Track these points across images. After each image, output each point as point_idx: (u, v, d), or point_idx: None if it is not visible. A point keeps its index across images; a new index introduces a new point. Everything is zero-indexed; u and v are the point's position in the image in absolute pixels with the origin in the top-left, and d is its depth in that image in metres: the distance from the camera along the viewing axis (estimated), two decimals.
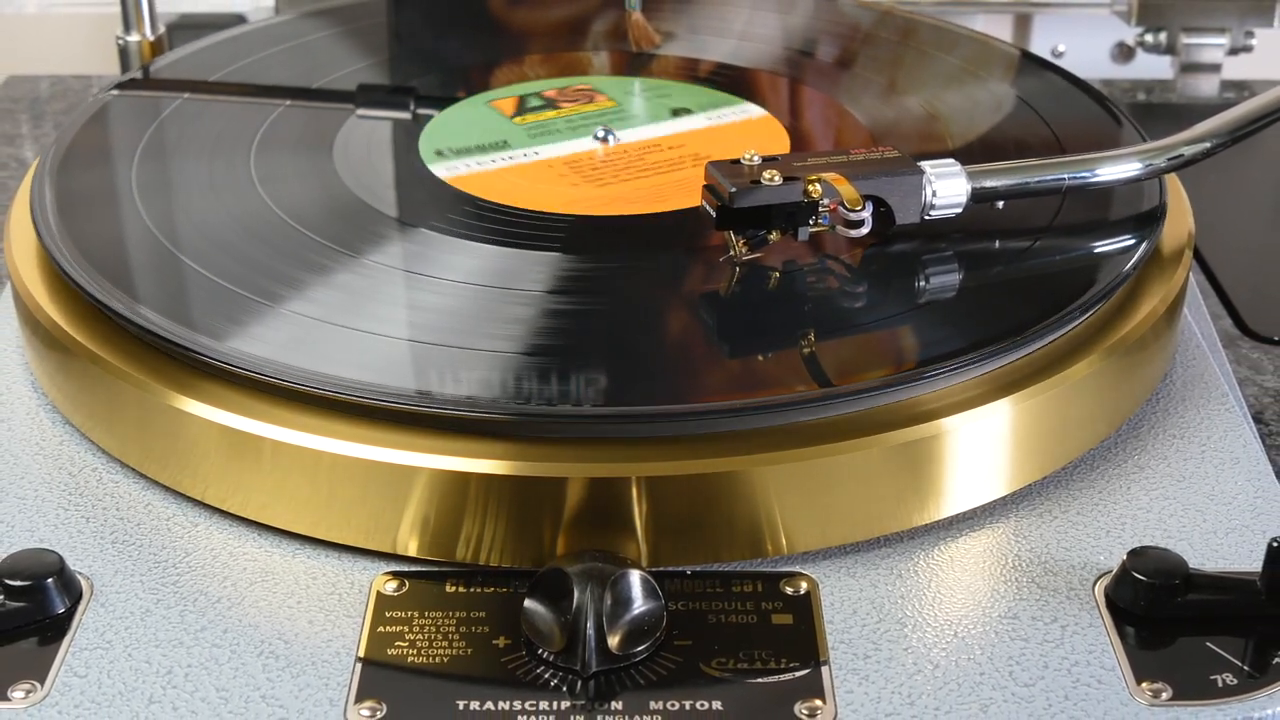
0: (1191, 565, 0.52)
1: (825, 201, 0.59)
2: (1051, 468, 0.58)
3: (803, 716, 0.48)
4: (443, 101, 0.76)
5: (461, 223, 0.64)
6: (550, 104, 0.76)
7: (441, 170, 0.69)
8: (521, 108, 0.75)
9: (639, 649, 0.49)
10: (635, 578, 0.50)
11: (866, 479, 0.54)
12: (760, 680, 0.49)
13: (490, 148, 0.71)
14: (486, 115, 0.74)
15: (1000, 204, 0.62)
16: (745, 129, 0.74)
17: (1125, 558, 0.52)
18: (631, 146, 0.72)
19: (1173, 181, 0.69)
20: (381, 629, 0.51)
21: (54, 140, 0.72)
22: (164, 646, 0.50)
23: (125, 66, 0.86)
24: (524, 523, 0.52)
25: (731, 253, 0.61)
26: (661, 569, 0.53)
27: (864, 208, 0.59)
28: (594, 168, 0.70)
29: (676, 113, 0.76)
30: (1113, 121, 0.73)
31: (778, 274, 0.61)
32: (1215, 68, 1.02)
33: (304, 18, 0.87)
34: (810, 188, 0.59)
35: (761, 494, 0.52)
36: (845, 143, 0.73)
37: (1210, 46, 1.02)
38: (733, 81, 0.79)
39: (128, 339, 0.58)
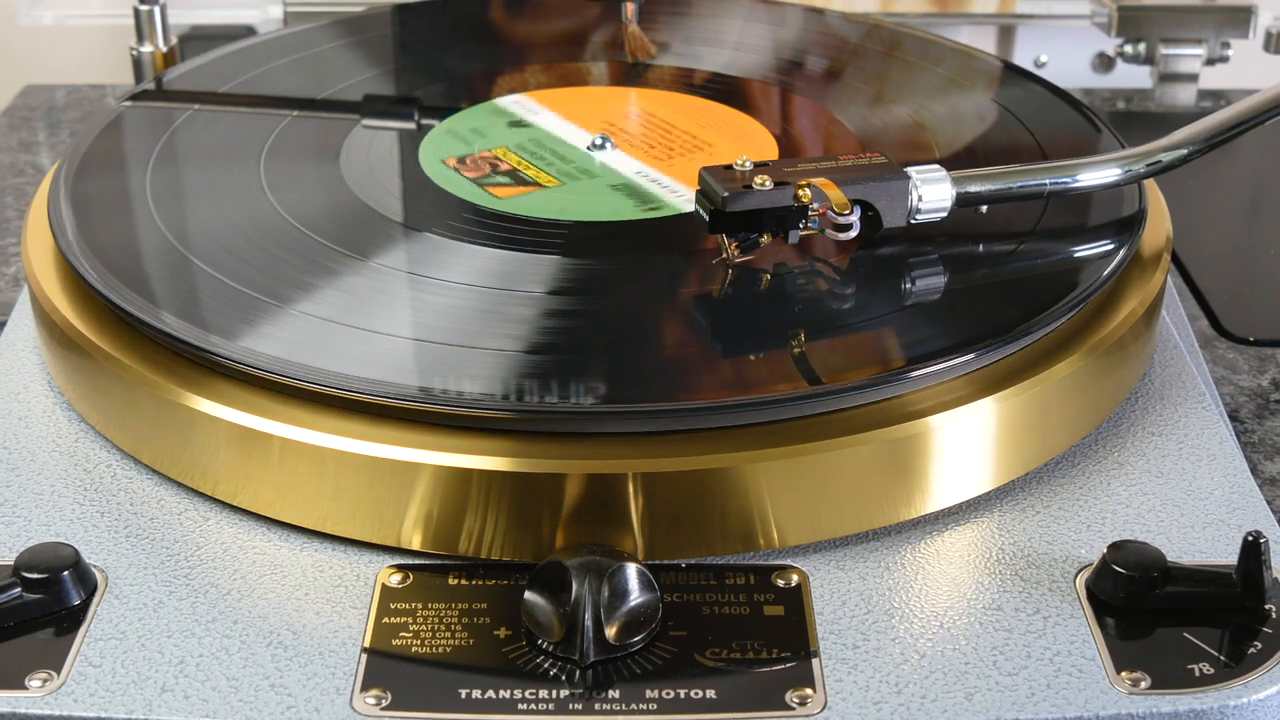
0: (1169, 558, 0.52)
1: (815, 206, 0.59)
2: (1034, 464, 0.58)
3: (793, 705, 0.48)
4: (445, 111, 0.76)
5: (463, 227, 0.64)
6: (515, 177, 0.70)
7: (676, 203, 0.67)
8: (520, 180, 0.70)
9: (635, 639, 0.49)
10: (632, 571, 0.50)
11: (855, 475, 0.54)
12: (752, 670, 0.49)
13: (633, 191, 0.69)
14: (532, 200, 0.69)
15: (984, 209, 0.62)
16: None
17: (1105, 551, 0.52)
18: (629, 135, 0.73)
19: (1151, 187, 0.69)
20: (386, 620, 0.51)
21: (70, 148, 0.71)
22: (176, 637, 0.50)
23: (139, 77, 0.86)
24: (524, 517, 0.52)
25: (724, 255, 0.61)
26: (657, 562, 0.53)
27: (852, 212, 0.59)
28: (668, 149, 0.72)
29: (520, 124, 0.75)
30: (1093, 129, 0.73)
31: (769, 276, 0.61)
32: (1193, 77, 1.02)
33: (311, 30, 0.87)
34: (800, 192, 0.59)
35: (754, 489, 0.52)
36: (834, 149, 0.73)
37: (1188, 57, 1.02)
38: (726, 91, 0.79)
39: (141, 340, 0.58)
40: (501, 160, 0.71)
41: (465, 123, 0.75)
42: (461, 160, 0.70)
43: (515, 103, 0.77)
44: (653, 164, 0.71)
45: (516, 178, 0.69)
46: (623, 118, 0.76)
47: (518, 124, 0.75)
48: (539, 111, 0.76)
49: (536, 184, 0.69)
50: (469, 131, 0.74)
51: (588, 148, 0.72)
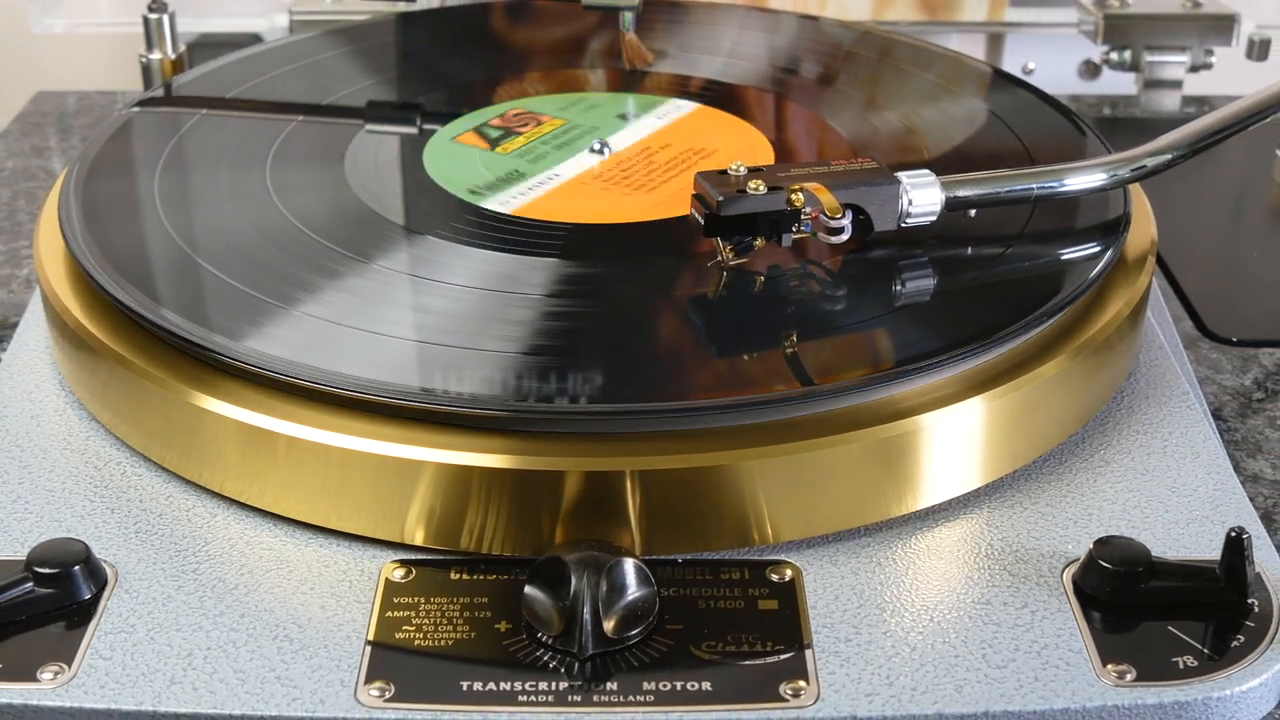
0: (1154, 554, 0.52)
1: (807, 210, 0.59)
2: (1022, 462, 0.58)
3: (787, 696, 0.48)
4: (447, 116, 0.76)
5: (465, 230, 0.64)
6: (509, 132, 0.74)
7: (496, 205, 0.67)
8: (490, 140, 0.73)
9: (633, 633, 0.49)
10: (629, 566, 0.50)
11: (848, 472, 0.53)
12: (747, 662, 0.49)
13: (513, 178, 0.70)
14: (465, 153, 0.72)
15: (973, 212, 0.62)
16: (699, 121, 0.76)
17: (1092, 546, 0.52)
18: (628, 152, 0.72)
19: (1136, 191, 0.69)
20: (390, 614, 0.51)
21: (80, 153, 0.71)
22: (184, 630, 0.50)
23: (148, 83, 0.86)
24: (524, 514, 0.52)
25: (719, 258, 0.61)
26: (654, 557, 0.53)
27: (844, 215, 0.59)
28: (624, 175, 0.70)
29: (623, 118, 0.76)
30: (1079, 135, 0.73)
31: (763, 278, 0.61)
32: (1177, 84, 1.02)
33: (316, 37, 0.87)
34: (793, 197, 0.59)
35: (748, 486, 0.52)
36: (827, 154, 0.73)
37: (1172, 64, 1.02)
38: (721, 97, 0.79)
39: (150, 340, 0.58)
40: (534, 125, 0.74)
41: (445, 153, 0.74)
42: (519, 114, 0.71)
43: (675, 106, 0.77)
44: (588, 180, 0.71)
45: (500, 138, 0.72)
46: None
47: (621, 116, 0.76)
48: (666, 117, 0.77)
49: (492, 146, 0.71)
50: (584, 108, 0.77)
51: (588, 150, 0.72)
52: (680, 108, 0.77)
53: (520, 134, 0.74)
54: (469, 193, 0.68)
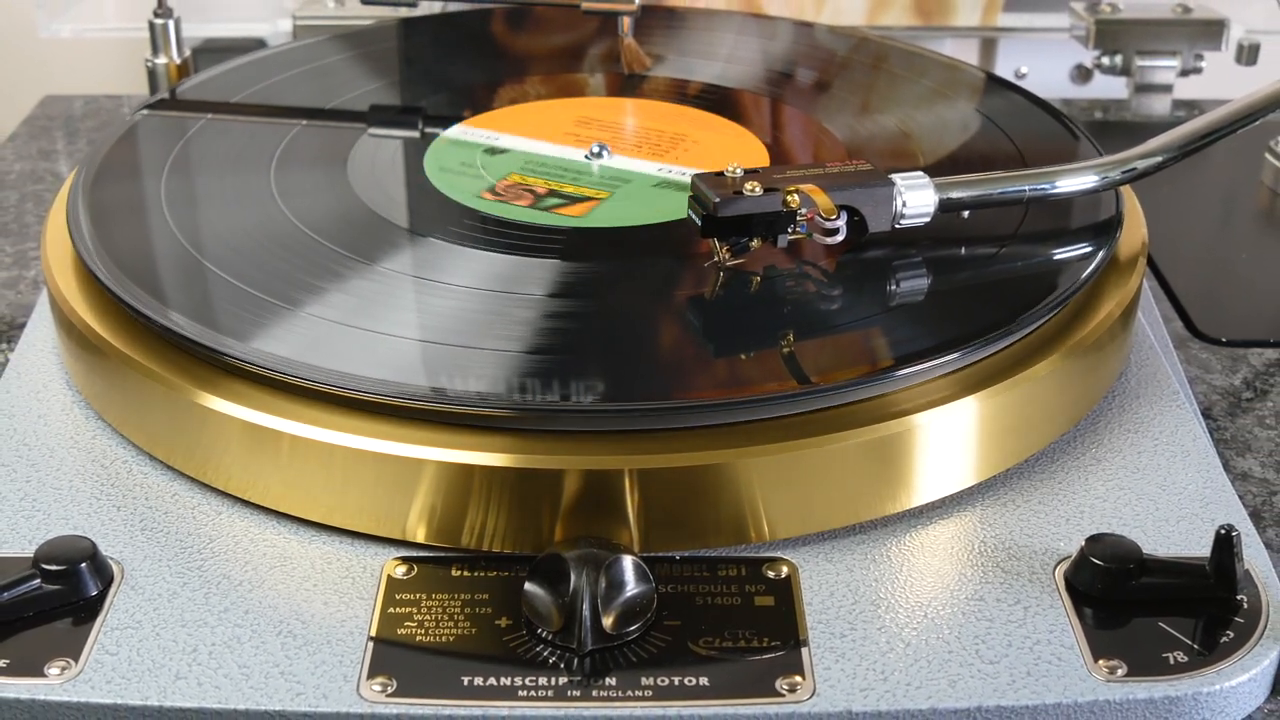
0: (1145, 551, 0.52)
1: (803, 211, 0.59)
2: (1015, 460, 0.58)
3: (783, 691, 0.48)
4: (448, 121, 0.76)
5: (466, 233, 0.64)
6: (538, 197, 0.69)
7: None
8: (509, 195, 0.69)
9: (631, 629, 0.49)
10: (628, 563, 0.50)
11: (843, 470, 0.53)
12: (744, 658, 0.49)
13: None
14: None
15: (966, 214, 0.62)
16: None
17: (1083, 544, 0.52)
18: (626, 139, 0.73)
19: (1128, 193, 0.69)
20: (392, 610, 0.51)
21: (87, 156, 0.71)
22: (189, 626, 0.50)
23: (154, 88, 0.86)
24: (524, 511, 0.52)
25: (716, 259, 0.61)
26: (652, 554, 0.53)
27: (839, 217, 0.59)
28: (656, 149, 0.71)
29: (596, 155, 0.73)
30: (1071, 138, 0.73)
31: (759, 279, 0.61)
32: (1167, 88, 1.02)
33: (320, 43, 0.87)
34: (789, 198, 0.59)
35: (745, 484, 0.52)
36: (822, 157, 0.73)
37: (1162, 68, 1.02)
38: (719, 101, 0.79)
39: (156, 340, 0.58)
40: (531, 185, 0.69)
41: (449, 156, 0.72)
42: (495, 192, 0.69)
43: (465, 132, 0.75)
44: (660, 159, 0.71)
45: (567, 197, 0.68)
46: (585, 125, 0.76)
47: (494, 150, 0.73)
48: (498, 136, 0.74)
49: (594, 199, 0.68)
50: (459, 165, 0.71)
51: (585, 157, 0.72)
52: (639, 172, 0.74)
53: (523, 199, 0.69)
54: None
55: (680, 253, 0.64)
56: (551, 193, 0.68)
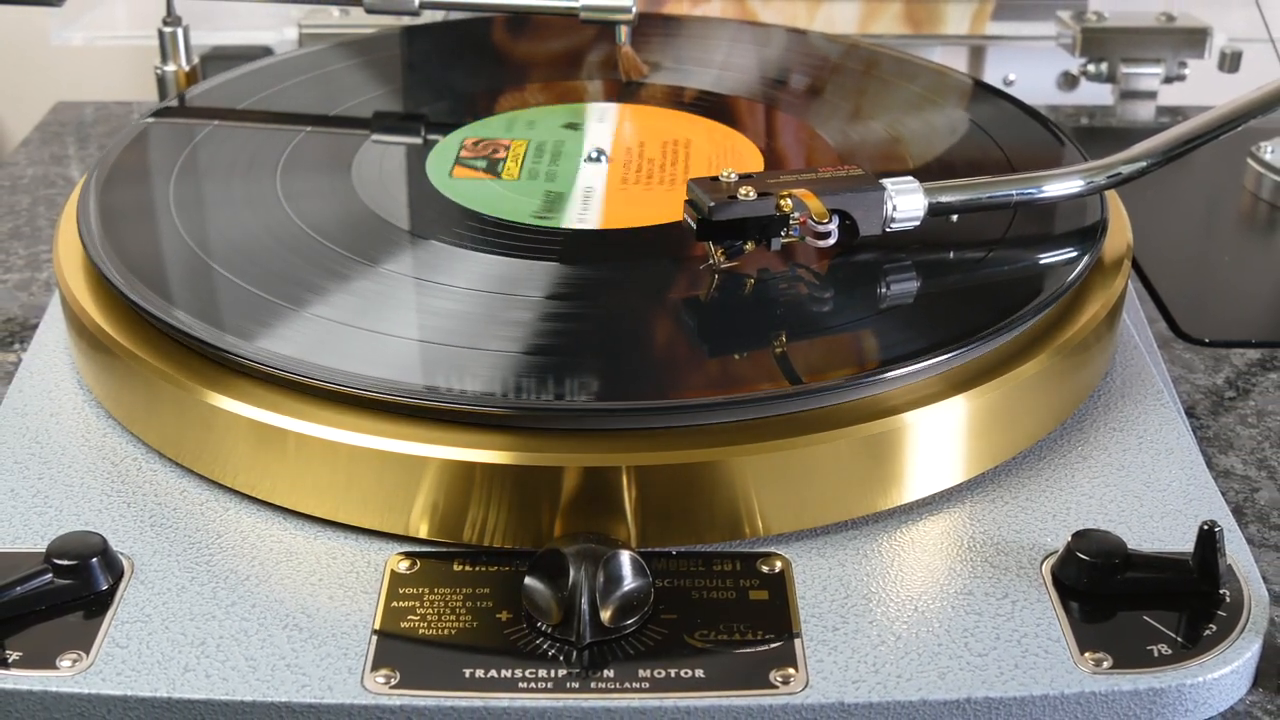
0: (1130, 546, 0.52)
1: (795, 215, 0.59)
2: (1003, 458, 0.58)
3: (777, 683, 0.48)
4: (450, 127, 0.76)
5: (467, 235, 0.64)
6: (491, 161, 0.72)
7: (569, 223, 0.66)
8: (485, 170, 0.71)
9: (629, 622, 0.49)
10: (625, 557, 0.50)
11: (835, 467, 0.54)
12: (738, 650, 0.49)
13: (557, 200, 0.68)
14: (482, 186, 0.70)
15: (955, 218, 0.62)
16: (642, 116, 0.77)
17: (1070, 539, 0.52)
18: (624, 153, 0.73)
19: (1113, 197, 0.69)
20: (395, 604, 0.51)
21: (98, 161, 0.71)
22: (198, 620, 0.50)
23: (163, 94, 0.86)
24: (524, 508, 0.52)
25: (711, 261, 0.61)
26: (649, 549, 0.53)
27: (831, 220, 0.59)
28: (647, 175, 0.71)
29: (573, 126, 0.76)
30: (1058, 143, 0.73)
31: (753, 281, 0.61)
32: (1152, 95, 1.02)
33: (324, 50, 0.87)
34: (782, 202, 0.59)
35: (740, 481, 0.52)
36: (815, 162, 0.73)
37: (1147, 75, 1.02)
38: (714, 107, 0.79)
39: (165, 341, 0.58)
40: (505, 150, 0.71)
41: (452, 160, 0.72)
42: (477, 143, 0.70)
43: (466, 135, 0.75)
44: (617, 185, 0.70)
45: (491, 166, 0.70)
46: (641, 140, 0.76)
47: (571, 125, 0.76)
48: (607, 120, 0.77)
49: (495, 175, 0.70)
50: (524, 124, 0.76)
51: (585, 160, 0.72)
52: (607, 110, 0.78)
53: (502, 159, 0.72)
54: (536, 218, 0.66)
55: (676, 255, 0.64)
56: (494, 161, 0.71)
